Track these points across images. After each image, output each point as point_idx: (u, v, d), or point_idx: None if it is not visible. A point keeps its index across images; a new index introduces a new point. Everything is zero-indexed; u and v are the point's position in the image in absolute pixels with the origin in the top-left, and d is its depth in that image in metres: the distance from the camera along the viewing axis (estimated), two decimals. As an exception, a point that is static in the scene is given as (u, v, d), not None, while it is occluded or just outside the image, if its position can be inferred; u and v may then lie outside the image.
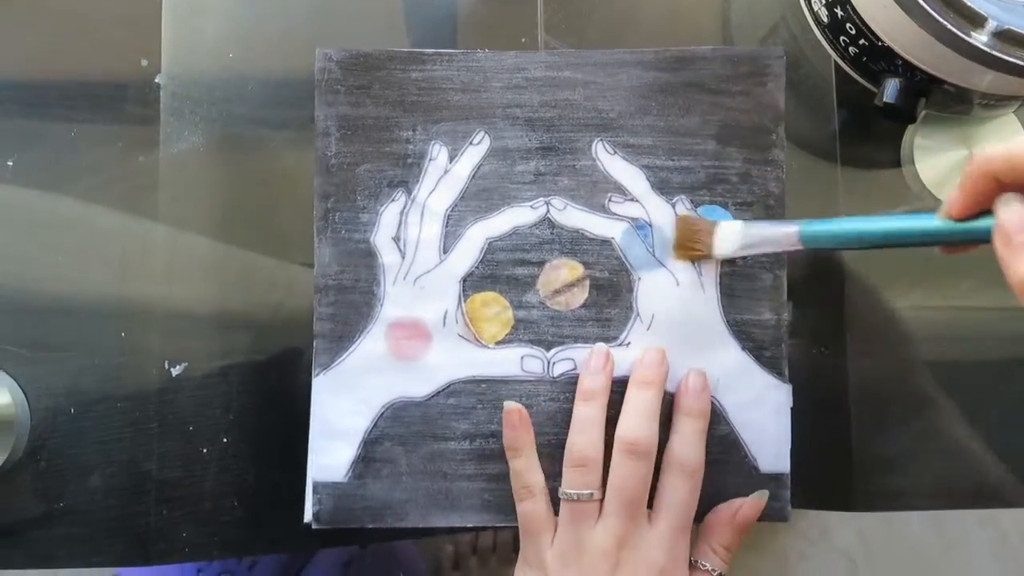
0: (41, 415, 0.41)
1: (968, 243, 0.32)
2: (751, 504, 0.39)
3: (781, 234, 0.37)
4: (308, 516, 0.40)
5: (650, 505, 0.38)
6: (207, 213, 0.42)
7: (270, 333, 0.42)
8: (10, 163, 0.42)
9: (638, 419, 0.38)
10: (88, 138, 0.43)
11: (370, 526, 0.40)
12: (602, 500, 0.37)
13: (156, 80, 0.43)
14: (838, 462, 0.43)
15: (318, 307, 0.40)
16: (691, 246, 0.39)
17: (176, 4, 0.43)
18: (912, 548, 0.98)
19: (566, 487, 0.38)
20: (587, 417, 0.38)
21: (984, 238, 0.30)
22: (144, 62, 0.43)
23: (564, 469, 0.38)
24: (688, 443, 0.38)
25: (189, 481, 0.41)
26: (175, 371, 0.41)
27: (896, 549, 0.98)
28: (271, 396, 0.42)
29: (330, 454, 0.40)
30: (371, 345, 0.40)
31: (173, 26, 0.43)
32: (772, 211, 0.41)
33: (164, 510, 0.41)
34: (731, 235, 0.38)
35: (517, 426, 0.39)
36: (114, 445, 0.41)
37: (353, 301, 0.40)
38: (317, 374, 0.40)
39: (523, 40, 0.43)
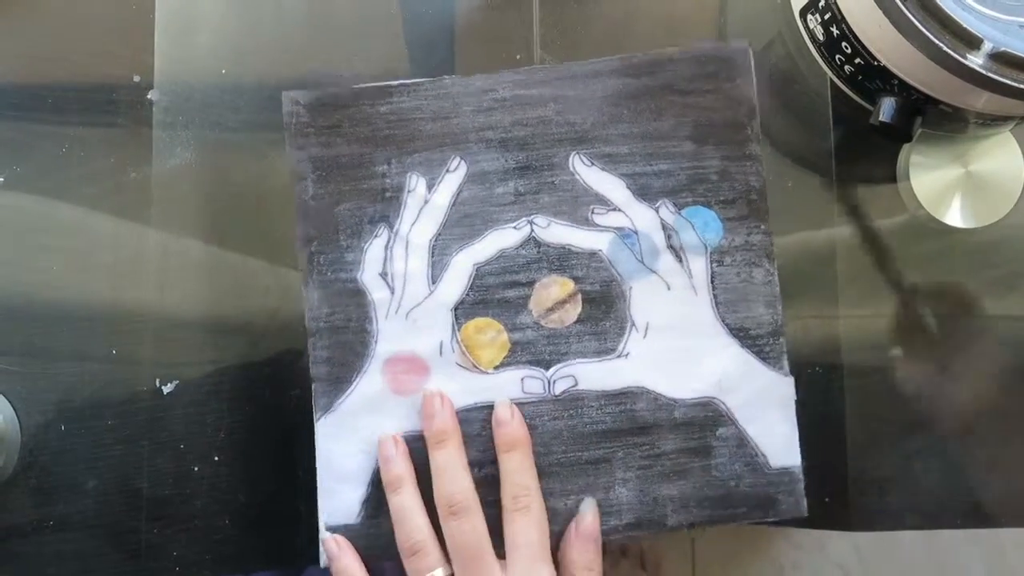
0: (32, 432, 0.41)
1: None
2: (587, 514, 0.39)
3: None
4: (323, 561, 0.39)
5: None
6: (199, 227, 0.42)
7: (262, 344, 0.42)
8: (1, 178, 0.42)
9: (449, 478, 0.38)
10: (79, 154, 0.42)
11: (387, 561, 0.39)
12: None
13: (148, 96, 0.42)
14: (834, 481, 0.42)
15: (313, 351, 0.40)
16: None
17: (169, 21, 0.43)
18: (908, 562, 0.97)
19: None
20: (403, 506, 0.38)
21: None
22: (136, 78, 0.42)
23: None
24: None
25: (180, 499, 0.41)
26: (166, 389, 0.41)
27: (892, 562, 0.98)
28: (262, 414, 0.42)
29: (340, 497, 0.39)
30: (369, 384, 0.40)
31: (166, 42, 0.43)
32: (755, 205, 0.40)
33: (155, 528, 0.41)
34: None
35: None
36: (105, 463, 0.41)
37: (347, 341, 0.40)
38: (319, 418, 0.39)
39: (518, 56, 0.43)
